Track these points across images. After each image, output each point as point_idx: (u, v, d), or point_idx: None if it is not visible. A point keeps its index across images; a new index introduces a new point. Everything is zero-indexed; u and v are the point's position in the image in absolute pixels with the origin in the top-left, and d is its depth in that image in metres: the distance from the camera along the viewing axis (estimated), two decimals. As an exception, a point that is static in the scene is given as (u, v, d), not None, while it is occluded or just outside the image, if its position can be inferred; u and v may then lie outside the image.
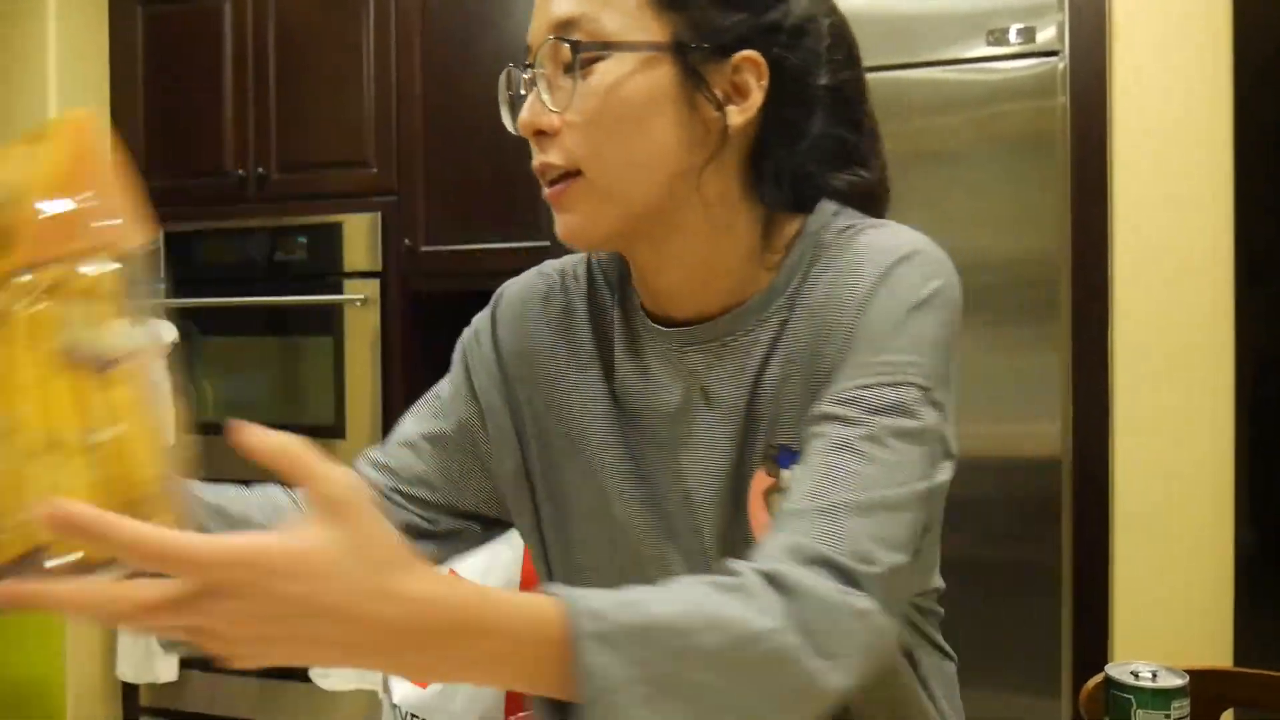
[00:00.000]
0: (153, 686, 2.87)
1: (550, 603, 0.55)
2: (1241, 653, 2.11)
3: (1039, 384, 2.05)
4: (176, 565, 0.47)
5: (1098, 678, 0.87)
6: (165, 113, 2.91)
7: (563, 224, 0.78)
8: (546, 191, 0.78)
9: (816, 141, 0.79)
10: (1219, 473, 2.08)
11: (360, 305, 2.66)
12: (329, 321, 2.70)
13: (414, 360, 2.72)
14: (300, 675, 2.64)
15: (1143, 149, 2.11)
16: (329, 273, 2.71)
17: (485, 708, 1.22)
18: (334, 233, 2.71)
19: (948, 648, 0.90)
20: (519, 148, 2.74)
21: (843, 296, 0.74)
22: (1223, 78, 2.06)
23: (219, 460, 2.95)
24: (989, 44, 2.06)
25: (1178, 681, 0.77)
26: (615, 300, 0.85)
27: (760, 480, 0.78)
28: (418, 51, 2.66)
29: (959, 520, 2.09)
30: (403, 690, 1.33)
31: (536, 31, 0.75)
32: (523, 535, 0.90)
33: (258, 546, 0.48)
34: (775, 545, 0.63)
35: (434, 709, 1.33)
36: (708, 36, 0.74)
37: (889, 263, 0.74)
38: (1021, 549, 2.07)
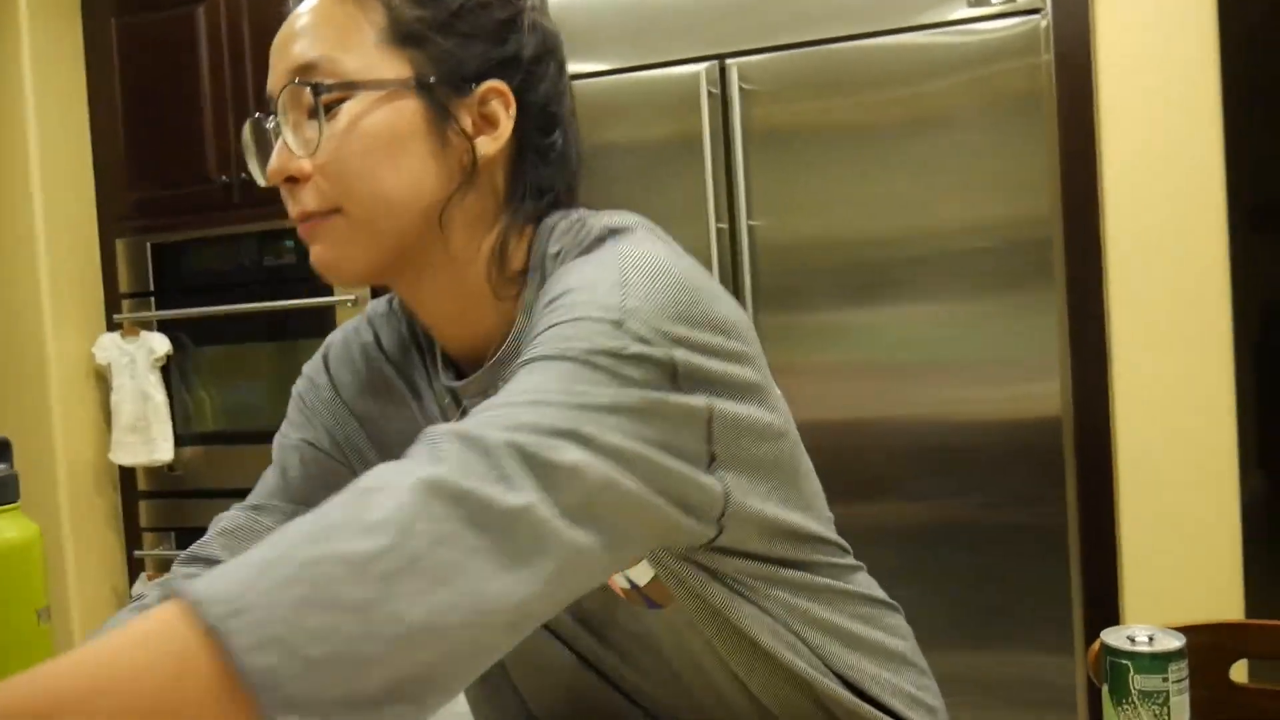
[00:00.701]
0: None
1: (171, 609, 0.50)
2: (1253, 600, 2.12)
3: (1037, 344, 2.05)
4: None
5: (1097, 643, 0.86)
6: (145, 123, 2.88)
7: (316, 257, 0.76)
8: (299, 227, 0.76)
9: (561, 158, 0.80)
10: (1221, 422, 2.08)
11: (352, 305, 2.65)
12: (322, 323, 2.69)
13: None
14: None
15: (1130, 102, 2.09)
16: (318, 275, 2.70)
17: None
18: (321, 234, 2.69)
19: (878, 600, 0.85)
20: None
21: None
22: (1208, 25, 2.05)
23: (222, 469, 2.96)
24: (970, 4, 2.04)
25: (1175, 644, 0.76)
26: (412, 352, 0.86)
27: None
28: (394, 46, 2.64)
29: (964, 484, 2.10)
30: None
31: (276, 79, 0.75)
32: None
33: None
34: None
35: None
36: (449, 71, 0.74)
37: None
38: (1027, 510, 2.07)
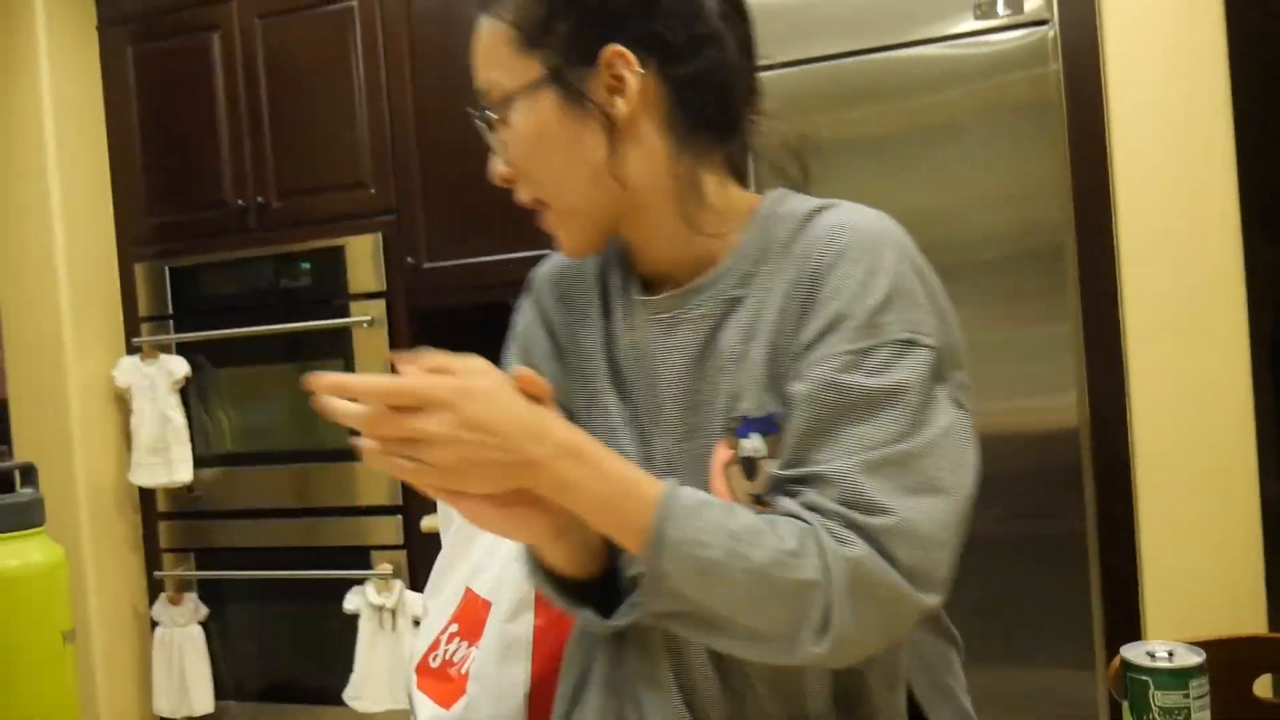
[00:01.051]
0: (190, 719, 2.88)
1: (654, 482, 0.73)
2: (1276, 610, 2.09)
3: (1052, 355, 2.04)
4: (403, 398, 0.70)
5: (1116, 659, 0.86)
6: (162, 149, 2.92)
7: (556, 243, 0.89)
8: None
9: (712, 80, 0.85)
10: (1240, 430, 2.06)
11: (368, 326, 2.67)
12: (339, 344, 2.71)
13: (425, 377, 2.72)
14: (334, 699, 2.65)
15: (1140, 109, 2.09)
16: (335, 296, 2.72)
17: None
18: (337, 256, 2.71)
19: (948, 631, 0.91)
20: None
21: (833, 282, 0.80)
22: (1216, 29, 2.04)
23: (241, 490, 2.98)
24: (976, 18, 2.04)
25: (1195, 659, 0.76)
26: (619, 274, 0.94)
27: (721, 453, 0.83)
28: (408, 68, 2.66)
29: (982, 497, 2.08)
30: (427, 712, 1.33)
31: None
32: None
33: (452, 379, 0.71)
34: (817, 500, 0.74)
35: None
36: (569, 55, 0.83)
37: (869, 248, 0.80)
38: (1046, 522, 2.05)
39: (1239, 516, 2.07)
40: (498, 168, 0.87)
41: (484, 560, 1.33)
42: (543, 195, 0.86)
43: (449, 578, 1.38)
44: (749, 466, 0.81)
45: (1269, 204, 2.23)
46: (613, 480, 0.73)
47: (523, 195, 0.87)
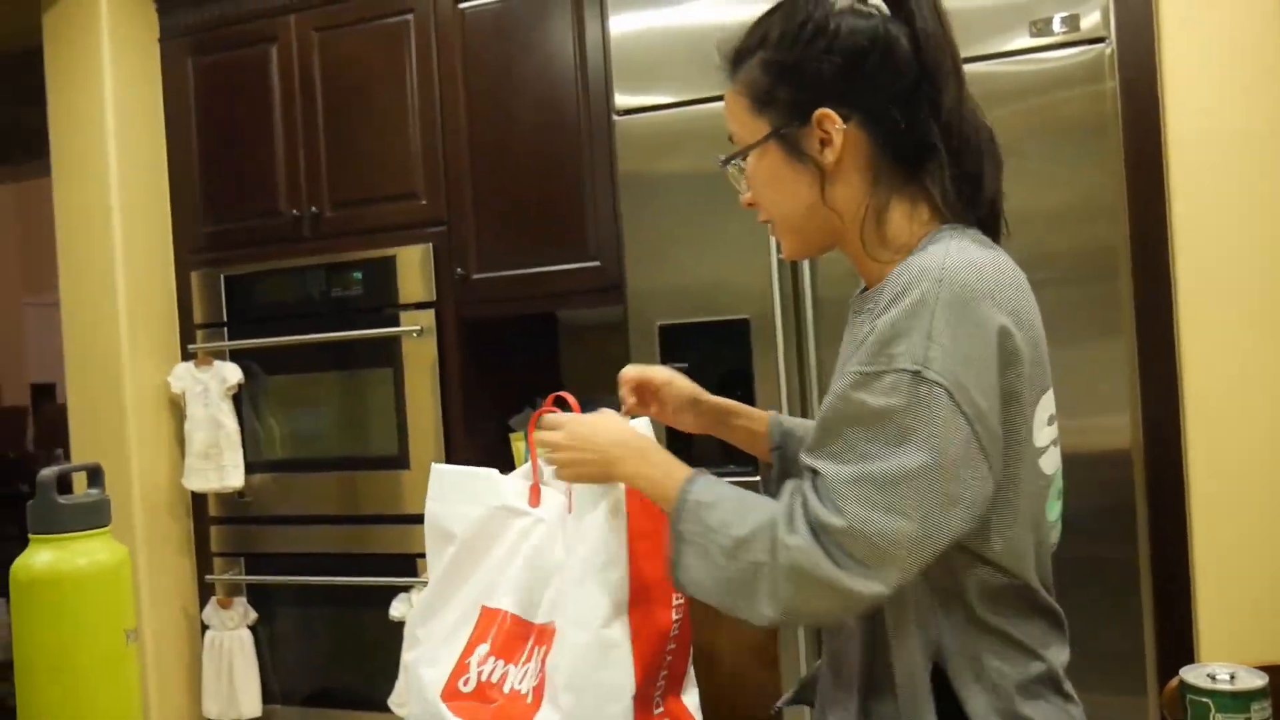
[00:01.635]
0: (237, 721, 2.92)
1: (682, 479, 1.03)
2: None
3: (1106, 376, 2.01)
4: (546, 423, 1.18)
5: (1174, 680, 0.85)
6: (220, 159, 2.98)
7: (781, 249, 1.15)
8: None
9: (909, 130, 1.01)
10: (1300, 456, 2.02)
11: (417, 336, 2.70)
12: (388, 353, 2.74)
13: (471, 386, 2.75)
14: (380, 705, 2.67)
15: (1197, 129, 2.06)
16: (385, 305, 2.76)
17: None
18: (388, 265, 2.75)
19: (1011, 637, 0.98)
20: (564, 172, 2.79)
21: (879, 309, 0.97)
22: (1275, 51, 2.01)
23: (290, 496, 3.01)
24: (1032, 35, 2.03)
25: (1258, 683, 0.74)
26: None
27: None
28: (460, 81, 2.70)
29: (1031, 518, 2.05)
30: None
31: None
32: None
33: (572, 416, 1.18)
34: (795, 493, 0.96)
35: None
36: (790, 117, 1.03)
37: (907, 282, 0.95)
38: (1098, 545, 2.02)
39: (1298, 542, 2.03)
40: (743, 196, 1.11)
41: (497, 577, 1.33)
42: (772, 218, 1.09)
43: (449, 602, 1.39)
44: None
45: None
46: (660, 472, 1.06)
47: (760, 216, 1.10)
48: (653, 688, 1.23)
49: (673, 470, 1.04)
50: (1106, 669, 2.02)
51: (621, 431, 1.11)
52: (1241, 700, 0.74)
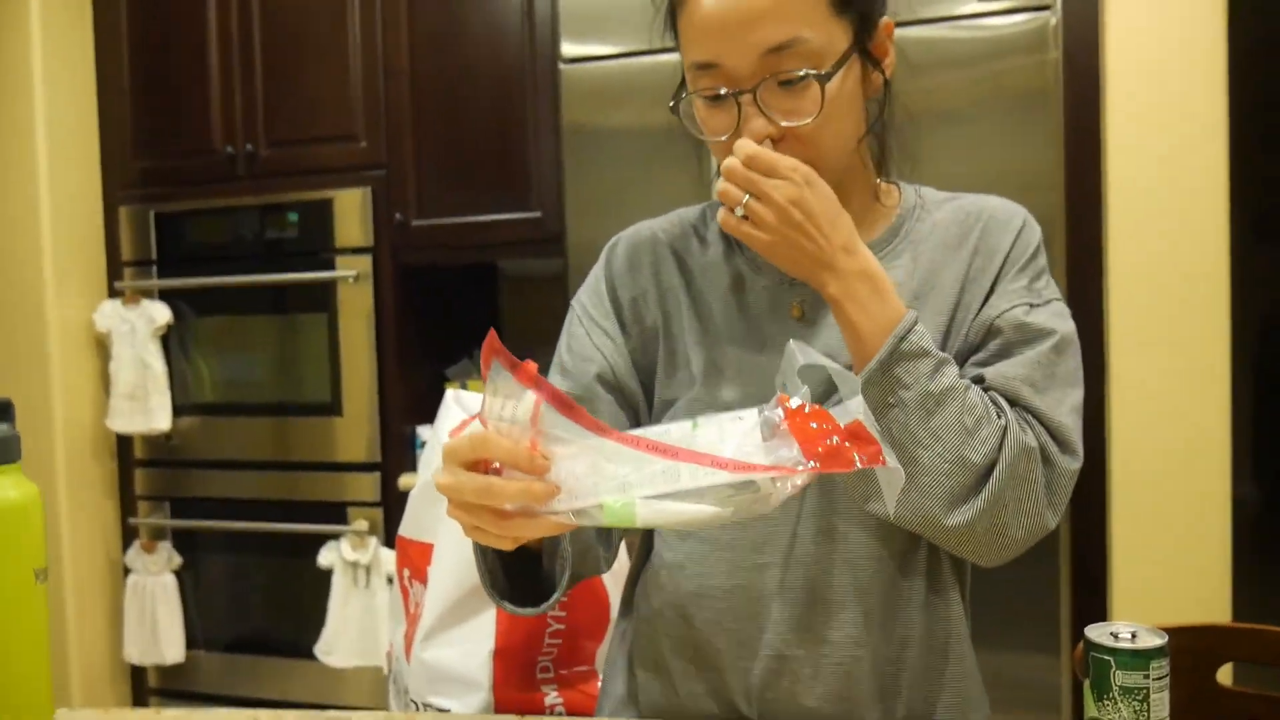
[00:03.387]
0: (160, 668, 2.89)
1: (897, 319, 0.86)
2: (1240, 606, 2.12)
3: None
4: (760, 161, 0.86)
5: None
6: (152, 93, 2.88)
7: None
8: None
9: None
10: (1216, 429, 2.08)
11: (353, 281, 2.65)
12: (323, 298, 2.70)
13: (408, 335, 2.71)
14: (306, 653, 2.66)
15: (1137, 105, 2.09)
16: (321, 249, 2.70)
17: (479, 701, 1.23)
18: (325, 208, 2.69)
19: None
20: (508, 120, 2.73)
21: (986, 247, 0.95)
22: (1217, 28, 2.04)
23: (219, 440, 2.96)
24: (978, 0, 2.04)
25: (1156, 641, 0.77)
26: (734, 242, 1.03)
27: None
28: (404, 23, 2.63)
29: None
30: (415, 681, 1.34)
31: (744, 55, 0.86)
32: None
33: (806, 167, 0.85)
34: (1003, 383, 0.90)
35: (439, 686, 1.34)
36: (870, 23, 0.90)
37: (1020, 221, 0.97)
38: (1020, 508, 2.07)
39: (1210, 514, 2.09)
40: (762, 128, 0.87)
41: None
42: (813, 156, 0.88)
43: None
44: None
45: (1258, 210, 2.24)
46: (884, 308, 0.87)
47: (788, 152, 0.88)
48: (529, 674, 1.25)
49: (891, 315, 0.86)
50: (1022, 630, 2.08)
51: (853, 233, 0.87)
52: (1141, 658, 0.76)
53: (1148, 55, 2.08)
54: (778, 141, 0.88)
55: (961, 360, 0.94)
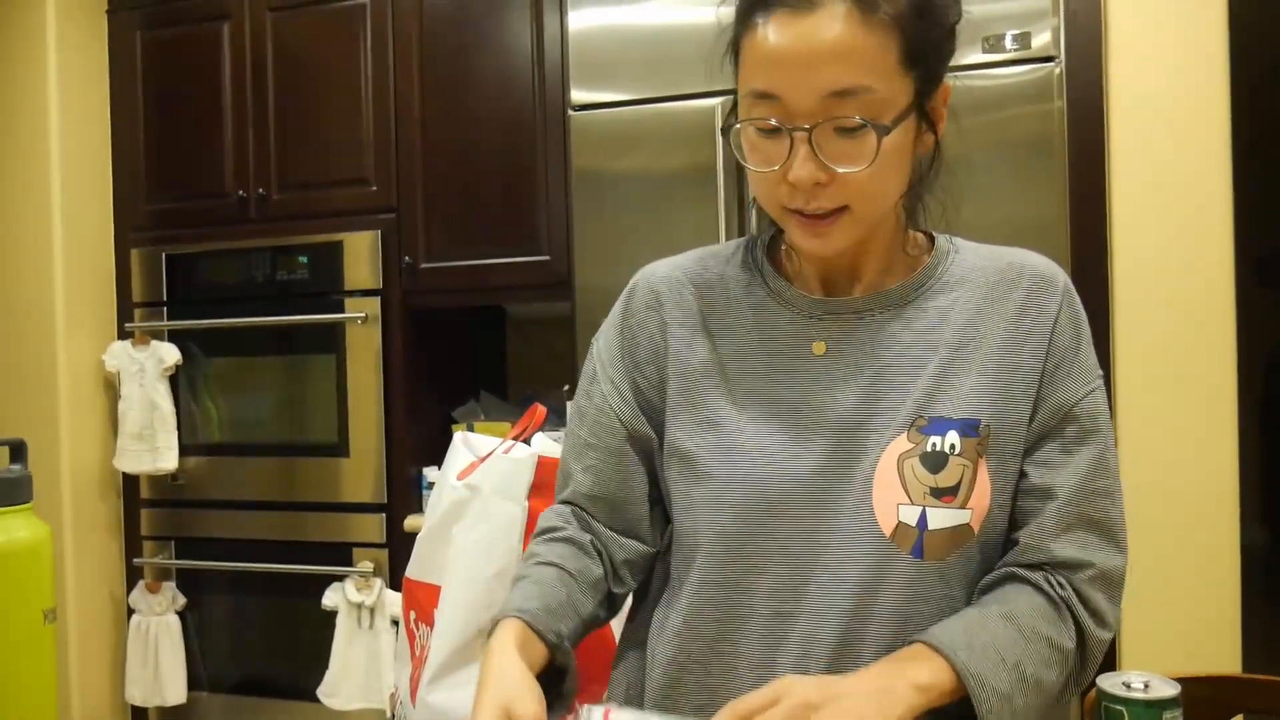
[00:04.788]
0: (162, 709, 2.86)
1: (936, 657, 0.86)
2: (1250, 653, 2.10)
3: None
4: None
5: (1092, 690, 0.87)
6: (165, 136, 2.92)
7: (820, 245, 0.94)
8: (805, 220, 0.92)
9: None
10: (1223, 473, 2.07)
11: (362, 323, 2.67)
12: (331, 340, 2.71)
13: (416, 376, 2.72)
14: (309, 695, 2.64)
15: (1141, 153, 2.11)
16: (330, 291, 2.72)
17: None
18: (334, 251, 2.72)
19: None
20: (517, 165, 2.75)
21: (1034, 306, 0.96)
22: (1219, 78, 2.07)
23: (225, 480, 2.96)
24: (985, 51, 2.06)
25: (1170, 692, 0.76)
26: (759, 276, 1.04)
27: (899, 445, 0.93)
28: (416, 69, 2.67)
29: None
30: None
31: (806, 95, 0.86)
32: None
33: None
34: (1030, 541, 0.94)
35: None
36: (933, 83, 0.92)
37: (1064, 283, 0.98)
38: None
39: (1218, 560, 2.08)
40: (811, 173, 0.88)
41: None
42: (857, 204, 0.90)
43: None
44: (937, 461, 0.92)
45: (1263, 252, 2.25)
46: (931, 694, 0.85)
47: (826, 202, 0.90)
48: None
49: (926, 681, 0.85)
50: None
51: (870, 679, 0.84)
52: (1154, 709, 0.76)
53: (1151, 104, 2.10)
54: (823, 185, 0.88)
55: (1019, 421, 0.95)
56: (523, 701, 0.82)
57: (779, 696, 0.80)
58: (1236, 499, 2.09)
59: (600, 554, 1.03)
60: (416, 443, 2.69)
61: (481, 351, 3.08)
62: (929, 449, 0.92)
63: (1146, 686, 0.77)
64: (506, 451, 1.39)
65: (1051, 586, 0.94)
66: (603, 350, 1.07)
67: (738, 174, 2.21)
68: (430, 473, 2.68)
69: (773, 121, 0.88)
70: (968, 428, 0.93)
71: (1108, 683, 0.77)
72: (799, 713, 0.78)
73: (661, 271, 1.07)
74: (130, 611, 2.86)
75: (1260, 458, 2.27)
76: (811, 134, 0.86)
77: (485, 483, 1.36)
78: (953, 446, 0.92)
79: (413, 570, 1.41)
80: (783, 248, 1.04)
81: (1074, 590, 0.94)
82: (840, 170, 0.87)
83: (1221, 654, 2.07)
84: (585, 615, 0.98)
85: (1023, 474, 0.97)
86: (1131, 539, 1.01)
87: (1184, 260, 2.09)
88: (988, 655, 0.86)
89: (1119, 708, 0.76)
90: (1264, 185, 2.25)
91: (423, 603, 1.36)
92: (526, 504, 1.34)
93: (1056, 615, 0.93)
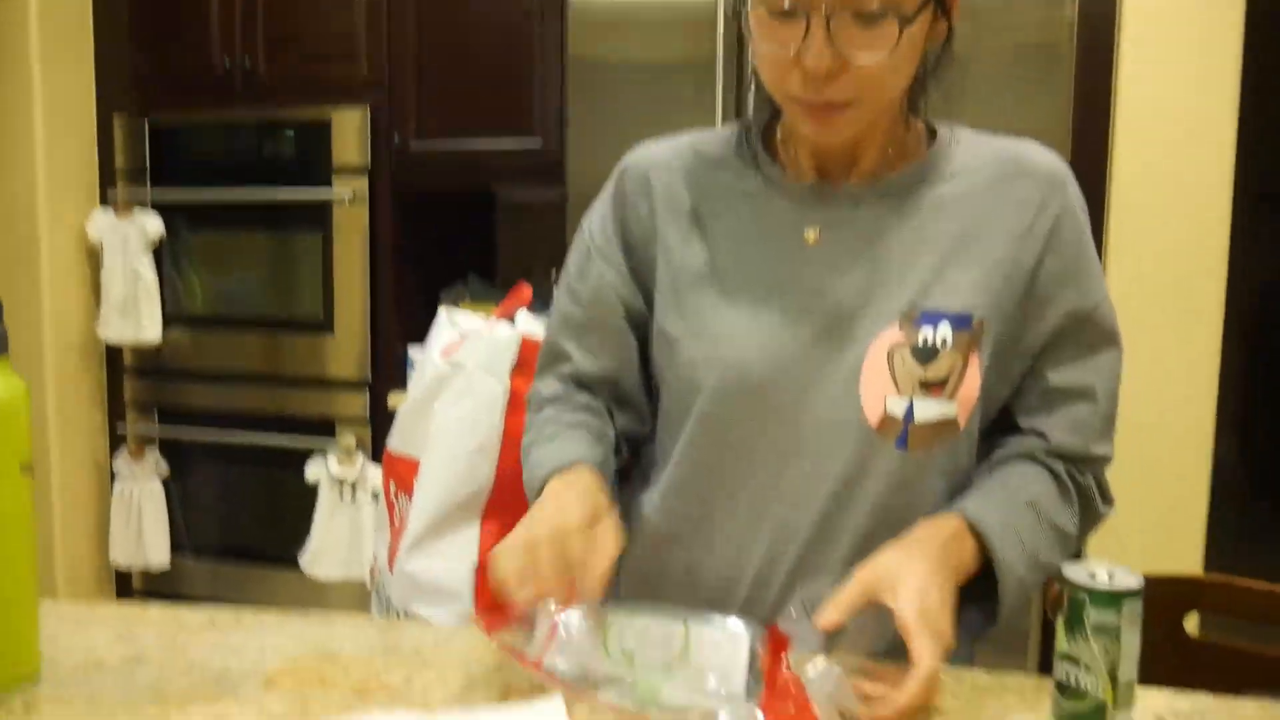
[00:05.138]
0: (145, 573, 2.92)
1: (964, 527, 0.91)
2: (1211, 561, 2.16)
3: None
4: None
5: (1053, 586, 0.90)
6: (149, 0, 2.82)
7: (828, 135, 0.92)
8: (813, 109, 0.89)
9: None
10: (1204, 385, 2.10)
11: (349, 202, 2.63)
12: (318, 219, 2.68)
13: (403, 258, 2.70)
14: (291, 564, 2.68)
15: (1150, 69, 2.08)
16: (317, 169, 2.67)
17: (461, 613, 1.26)
18: (322, 128, 2.66)
19: None
20: (513, 46, 2.69)
21: (1036, 202, 0.96)
22: (1235, 6, 2.03)
23: (209, 353, 2.96)
24: (998, -54, 2.00)
25: (1132, 584, 0.78)
26: (753, 161, 1.02)
27: (890, 336, 0.92)
28: (411, -62, 2.58)
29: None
30: (398, 590, 1.36)
31: None
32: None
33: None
34: (1074, 443, 0.98)
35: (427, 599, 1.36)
36: None
37: (1068, 179, 0.98)
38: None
39: (1190, 471, 2.12)
40: (826, 62, 0.85)
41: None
42: (867, 95, 0.88)
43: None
44: (928, 354, 0.92)
45: (1264, 174, 2.23)
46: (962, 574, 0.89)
47: (836, 95, 0.87)
48: None
49: (962, 562, 0.89)
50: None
51: (926, 588, 0.83)
52: (1115, 599, 0.77)
53: (1164, 19, 2.06)
54: (835, 76, 0.86)
55: (1013, 317, 0.95)
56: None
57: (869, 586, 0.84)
58: (1213, 413, 2.12)
59: (611, 421, 1.05)
60: (402, 322, 2.69)
61: (471, 236, 3.05)
62: (920, 342, 0.92)
63: (1111, 577, 0.78)
64: (492, 329, 1.39)
65: (1072, 476, 0.98)
66: (596, 232, 1.06)
67: (737, 65, 2.17)
68: (415, 352, 2.68)
69: (787, 4, 0.85)
70: (960, 321, 0.93)
71: (1073, 571, 0.79)
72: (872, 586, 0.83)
73: (653, 154, 1.05)
74: (113, 477, 2.88)
75: (1240, 376, 2.30)
76: (830, 19, 0.83)
77: (469, 359, 1.37)
78: (944, 340, 0.92)
79: (394, 443, 1.42)
80: (778, 133, 1.02)
81: (1094, 479, 1.00)
82: (857, 61, 0.85)
83: (1184, 560, 2.12)
84: (610, 476, 0.99)
85: (1035, 373, 0.98)
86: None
87: (1184, 178, 2.08)
88: (1016, 544, 0.91)
89: (1082, 595, 0.77)
90: (1272, 106, 2.22)
91: (403, 475, 1.37)
92: (509, 382, 1.34)
93: (1066, 502, 0.98)
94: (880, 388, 0.93)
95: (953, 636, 0.82)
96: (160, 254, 2.81)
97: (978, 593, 0.93)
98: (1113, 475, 1.04)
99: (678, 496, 1.00)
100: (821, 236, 0.96)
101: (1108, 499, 1.02)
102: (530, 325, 1.39)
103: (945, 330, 0.92)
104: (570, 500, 0.90)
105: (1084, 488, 0.99)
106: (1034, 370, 0.98)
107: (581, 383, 1.05)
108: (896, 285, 0.94)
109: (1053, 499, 0.96)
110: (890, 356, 0.93)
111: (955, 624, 0.85)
